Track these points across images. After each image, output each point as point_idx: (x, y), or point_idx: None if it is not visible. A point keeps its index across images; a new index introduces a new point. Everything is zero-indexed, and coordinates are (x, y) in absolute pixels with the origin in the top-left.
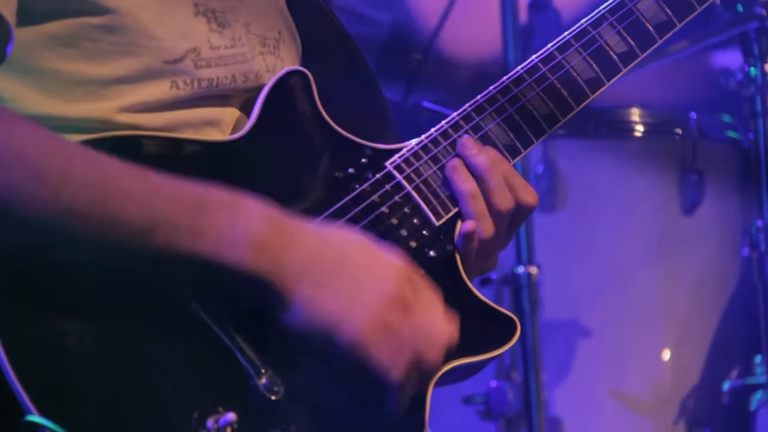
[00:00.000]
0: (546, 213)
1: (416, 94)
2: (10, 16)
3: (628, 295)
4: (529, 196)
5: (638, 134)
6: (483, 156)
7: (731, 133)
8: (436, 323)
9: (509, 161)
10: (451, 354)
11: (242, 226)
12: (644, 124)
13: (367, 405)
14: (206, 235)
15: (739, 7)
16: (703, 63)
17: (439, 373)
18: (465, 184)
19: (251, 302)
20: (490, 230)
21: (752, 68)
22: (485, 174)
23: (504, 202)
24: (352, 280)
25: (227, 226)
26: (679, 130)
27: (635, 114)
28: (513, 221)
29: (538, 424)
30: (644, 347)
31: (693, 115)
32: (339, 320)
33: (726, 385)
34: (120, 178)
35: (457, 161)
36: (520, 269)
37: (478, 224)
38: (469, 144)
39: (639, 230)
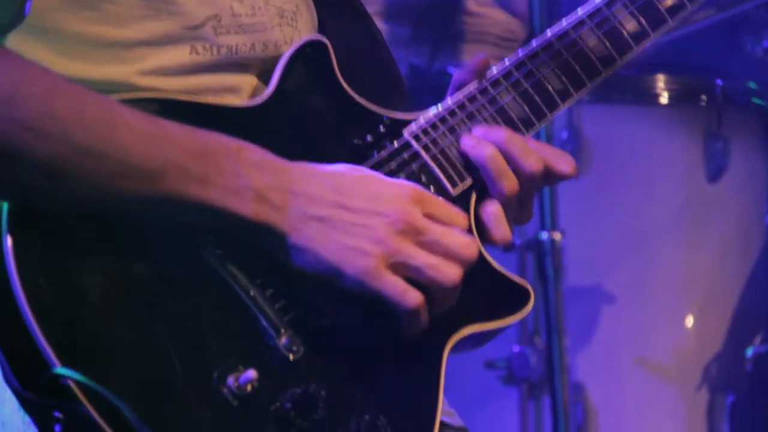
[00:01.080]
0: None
1: (442, 59)
2: None
3: (652, 261)
4: (563, 164)
5: (664, 101)
6: (497, 130)
7: (757, 100)
8: (454, 237)
9: (524, 133)
10: (465, 320)
11: (246, 174)
12: (669, 90)
13: (385, 366)
14: (213, 183)
15: None
16: (729, 30)
17: (453, 340)
18: (479, 148)
19: (261, 247)
20: (514, 187)
21: None
22: (506, 143)
23: (533, 162)
24: (357, 213)
25: (232, 174)
26: (704, 97)
27: (660, 80)
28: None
29: (561, 390)
30: (667, 314)
31: (719, 81)
32: (344, 255)
33: (749, 351)
34: (130, 120)
35: (467, 135)
36: (544, 235)
37: (498, 183)
38: (479, 129)
39: (664, 197)
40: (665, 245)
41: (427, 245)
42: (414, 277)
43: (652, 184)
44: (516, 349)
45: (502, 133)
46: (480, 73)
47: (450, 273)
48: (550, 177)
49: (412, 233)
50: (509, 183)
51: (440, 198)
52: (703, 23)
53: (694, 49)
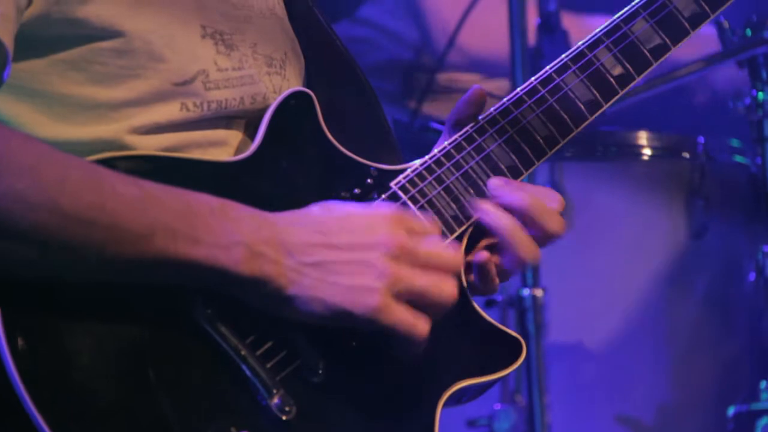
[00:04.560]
0: None
1: (424, 115)
2: (9, 41)
3: (634, 318)
4: (553, 202)
5: (646, 158)
6: (516, 192)
7: (739, 158)
8: (442, 249)
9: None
10: (458, 374)
11: (234, 230)
12: (652, 147)
13: (378, 423)
14: (203, 241)
15: (748, 32)
16: (711, 87)
17: (446, 395)
18: (499, 219)
19: (253, 303)
20: (535, 254)
21: (760, 93)
22: (528, 208)
23: (554, 225)
24: (349, 250)
25: (221, 231)
26: (686, 154)
27: (643, 137)
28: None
29: None
30: (649, 371)
31: (701, 139)
32: (351, 296)
33: (731, 410)
34: (115, 184)
35: (482, 202)
36: (525, 291)
37: (521, 253)
38: (500, 184)
39: (645, 254)
40: (647, 302)
41: (422, 264)
42: (417, 300)
43: (634, 241)
44: (497, 406)
45: (524, 196)
46: (476, 105)
47: (449, 289)
48: None
49: (406, 256)
50: (530, 252)
51: (410, 210)
52: (686, 80)
53: (676, 106)
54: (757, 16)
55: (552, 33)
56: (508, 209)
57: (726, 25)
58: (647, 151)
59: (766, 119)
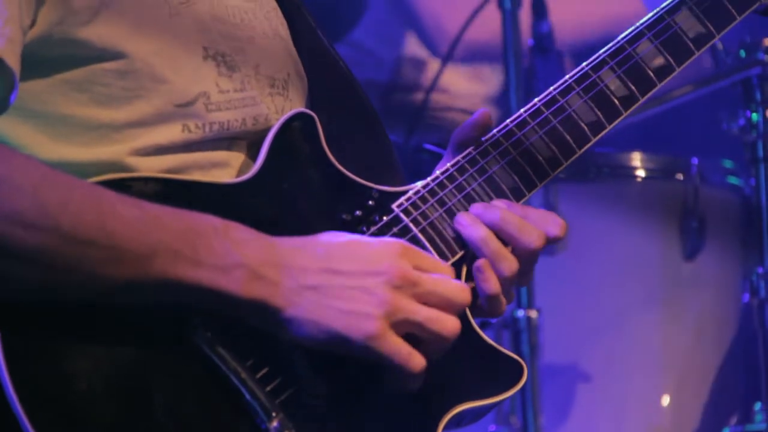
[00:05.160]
0: (546, 256)
1: (418, 136)
2: (16, 65)
3: (628, 339)
4: (552, 227)
5: (639, 179)
6: (492, 210)
7: (733, 179)
8: (448, 284)
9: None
10: (459, 397)
11: (236, 251)
12: (645, 168)
13: None
14: (203, 263)
15: (742, 53)
16: (705, 108)
17: (446, 419)
18: (471, 229)
19: (254, 326)
20: (513, 268)
21: (754, 114)
22: (501, 223)
23: (533, 240)
24: (351, 276)
25: (222, 253)
26: (680, 176)
27: (636, 158)
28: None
29: None
30: (643, 393)
31: (694, 160)
32: (347, 321)
33: None
34: (116, 205)
35: (462, 214)
36: (520, 313)
37: (496, 265)
38: (475, 208)
39: (639, 275)
40: (641, 323)
41: (424, 296)
42: (416, 332)
43: (628, 262)
44: (492, 428)
45: (497, 213)
46: (481, 127)
47: (450, 324)
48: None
49: (408, 286)
50: (508, 264)
51: (424, 251)
52: (680, 101)
53: (670, 127)
54: (751, 36)
55: (545, 54)
56: (486, 225)
57: (720, 46)
58: (641, 173)
59: (760, 140)
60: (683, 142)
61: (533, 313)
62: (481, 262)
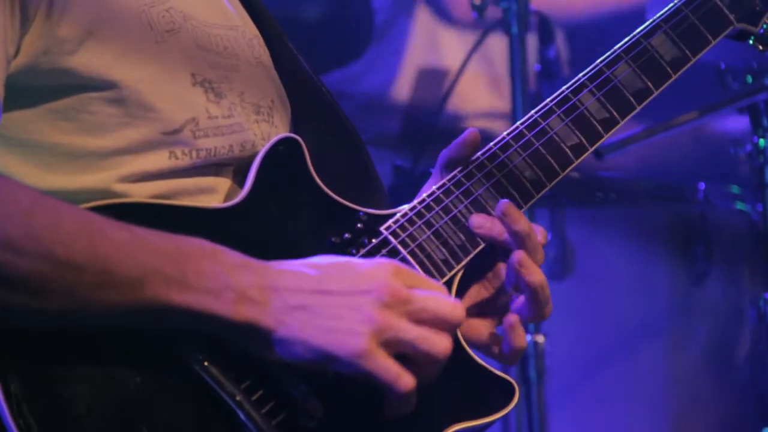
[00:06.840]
0: (554, 281)
1: (425, 161)
2: (1, 92)
3: (636, 364)
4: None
5: (647, 203)
6: (523, 221)
7: (740, 205)
8: (441, 301)
9: None
10: (452, 418)
11: (225, 274)
12: (653, 194)
13: None
14: (192, 286)
15: (749, 78)
16: (712, 133)
17: None
18: (535, 276)
19: (246, 348)
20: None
21: (761, 139)
22: (529, 236)
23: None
24: (340, 296)
25: (211, 276)
26: (687, 201)
27: (644, 183)
28: None
29: None
30: (650, 417)
31: (702, 185)
32: (334, 339)
33: None
34: (106, 229)
35: (519, 255)
36: (527, 338)
37: (545, 310)
38: (511, 210)
39: (647, 300)
40: (648, 348)
41: (416, 314)
42: (407, 351)
43: (636, 287)
44: None
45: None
46: (470, 147)
47: (442, 344)
48: None
49: (399, 304)
50: (541, 255)
51: (414, 272)
52: (687, 126)
53: (677, 153)
54: (758, 62)
55: (552, 79)
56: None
57: (726, 71)
58: (648, 198)
59: (767, 166)
60: (690, 168)
61: (540, 338)
62: (521, 256)
